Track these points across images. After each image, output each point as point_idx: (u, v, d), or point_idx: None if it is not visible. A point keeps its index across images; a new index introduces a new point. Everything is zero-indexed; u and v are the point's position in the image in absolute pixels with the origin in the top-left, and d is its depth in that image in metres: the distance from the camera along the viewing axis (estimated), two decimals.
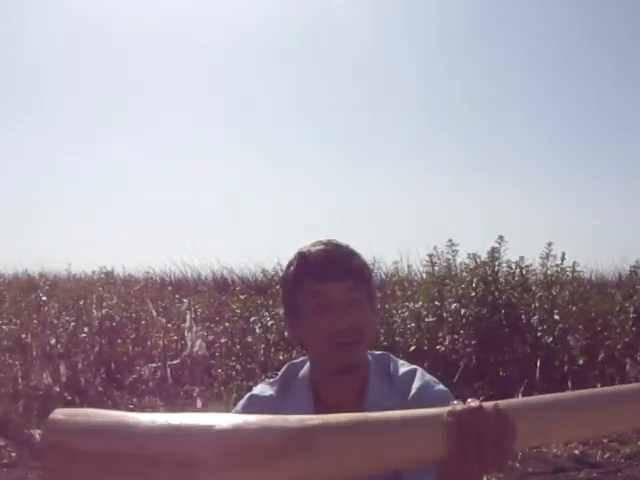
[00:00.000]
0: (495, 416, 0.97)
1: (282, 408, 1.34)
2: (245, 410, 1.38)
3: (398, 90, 18.81)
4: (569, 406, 1.01)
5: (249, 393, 1.43)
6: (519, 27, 18.34)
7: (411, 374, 1.36)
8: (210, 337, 6.68)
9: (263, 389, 1.41)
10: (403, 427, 0.97)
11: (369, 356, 1.39)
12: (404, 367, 1.38)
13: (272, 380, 1.43)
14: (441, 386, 1.35)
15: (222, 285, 10.05)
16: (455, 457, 0.96)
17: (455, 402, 1.00)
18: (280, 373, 1.43)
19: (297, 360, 1.45)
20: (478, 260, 6.58)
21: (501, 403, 1.00)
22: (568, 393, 1.04)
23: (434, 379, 1.36)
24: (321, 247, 1.33)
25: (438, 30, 19.82)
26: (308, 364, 1.39)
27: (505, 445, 0.98)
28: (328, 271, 1.30)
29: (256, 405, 1.37)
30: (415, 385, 1.33)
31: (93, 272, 9.79)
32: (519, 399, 1.04)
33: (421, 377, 1.35)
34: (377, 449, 0.95)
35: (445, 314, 6.34)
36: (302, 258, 1.34)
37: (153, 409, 5.43)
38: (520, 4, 18.85)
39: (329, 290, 1.29)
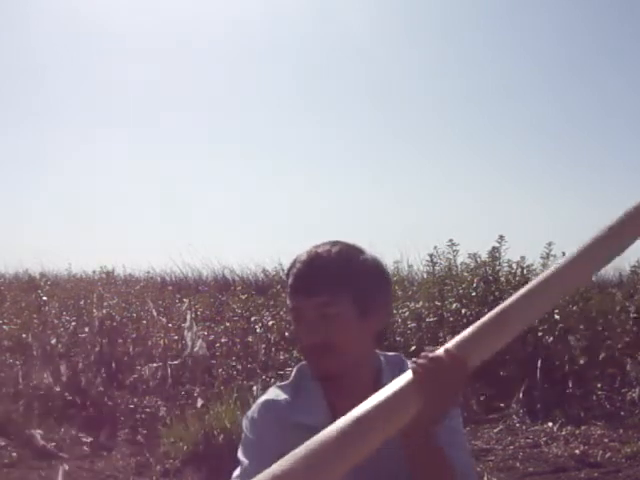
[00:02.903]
0: (449, 358, 1.15)
1: (297, 411, 1.35)
2: (261, 415, 1.38)
3: (399, 90, 18.81)
4: (496, 327, 1.21)
5: (263, 398, 1.42)
6: (522, 27, 18.32)
7: None
8: (211, 337, 6.67)
9: (277, 393, 1.41)
10: (384, 402, 1.14)
11: (381, 357, 1.42)
12: None
13: (283, 384, 1.43)
14: None
15: (223, 285, 10.04)
16: (427, 400, 1.12)
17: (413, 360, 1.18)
18: (292, 376, 1.43)
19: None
20: (479, 260, 6.58)
21: (450, 346, 1.18)
22: (491, 316, 1.22)
23: None
24: (305, 258, 1.34)
25: (442, 30, 19.80)
26: None
27: (460, 379, 1.14)
28: (300, 286, 1.32)
29: (272, 410, 1.38)
30: None
31: (94, 272, 9.82)
32: (460, 336, 1.21)
33: None
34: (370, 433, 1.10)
35: (446, 314, 6.33)
36: (289, 269, 1.36)
37: (154, 409, 5.44)
38: (525, 5, 18.83)
39: (300, 305, 1.32)
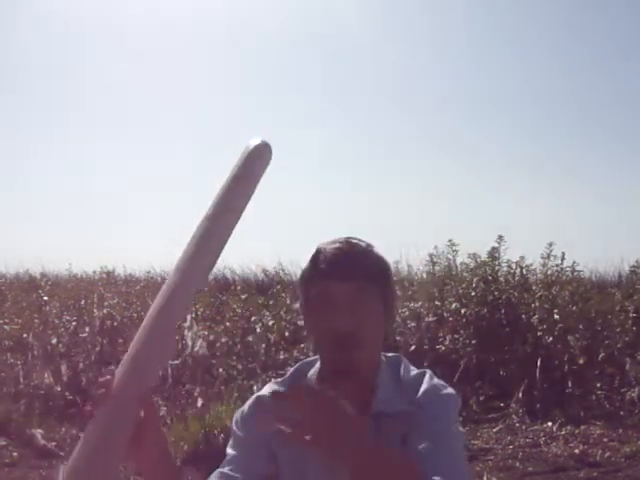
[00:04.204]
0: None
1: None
2: (251, 410, 1.38)
3: (400, 91, 18.82)
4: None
5: (257, 394, 1.42)
6: (531, 22, 18.31)
7: (419, 377, 1.36)
8: (211, 337, 6.67)
9: (271, 388, 1.40)
10: None
11: (382, 357, 1.39)
12: (414, 371, 1.38)
13: (281, 379, 1.43)
14: (449, 389, 1.34)
15: (223, 285, 10.05)
16: None
17: None
18: (290, 371, 1.43)
19: (309, 359, 1.44)
20: (478, 260, 6.59)
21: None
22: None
23: (442, 383, 1.36)
24: (336, 245, 1.32)
25: (448, 30, 19.81)
26: (318, 363, 1.39)
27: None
28: (336, 271, 1.29)
29: (263, 406, 1.37)
30: (422, 388, 1.33)
31: (94, 272, 9.85)
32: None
33: (429, 380, 1.35)
34: None
35: (445, 314, 6.34)
36: (316, 256, 1.33)
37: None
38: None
39: (335, 290, 1.28)
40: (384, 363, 1.38)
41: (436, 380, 1.36)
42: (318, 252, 1.33)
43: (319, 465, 1.31)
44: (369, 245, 1.35)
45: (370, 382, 1.34)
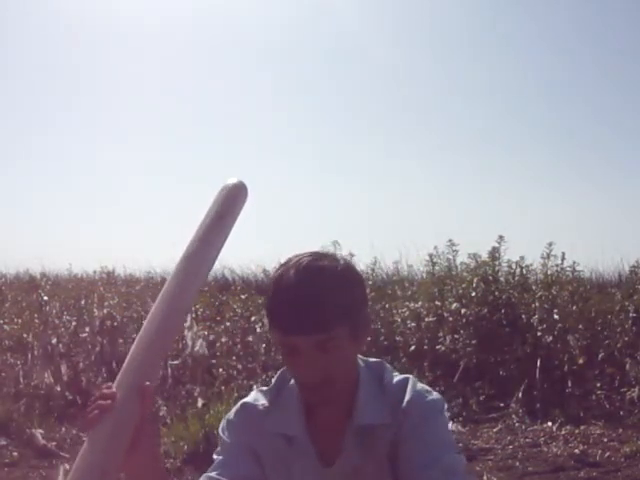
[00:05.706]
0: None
1: (272, 418, 1.36)
2: (237, 417, 1.39)
3: (400, 92, 18.81)
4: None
5: (242, 401, 1.42)
6: (532, 22, 18.30)
7: (402, 385, 1.34)
8: (211, 337, 6.67)
9: (256, 397, 1.41)
10: None
11: (361, 362, 1.36)
12: (397, 377, 1.36)
13: (266, 388, 1.42)
14: (434, 395, 1.33)
15: (223, 285, 10.04)
16: None
17: None
18: (274, 381, 1.42)
19: None
20: (478, 260, 6.59)
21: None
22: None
23: (426, 388, 1.34)
24: (294, 290, 1.21)
25: (449, 30, 19.82)
26: None
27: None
28: (293, 323, 1.20)
29: (247, 413, 1.38)
30: (407, 397, 1.31)
31: (94, 272, 9.86)
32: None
33: (412, 388, 1.33)
34: None
35: (445, 314, 6.34)
36: (274, 297, 1.25)
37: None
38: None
39: (295, 342, 1.22)
40: (364, 370, 1.35)
41: (420, 386, 1.34)
42: (276, 291, 1.24)
43: (304, 468, 1.33)
44: (332, 266, 1.25)
45: (350, 396, 1.32)
